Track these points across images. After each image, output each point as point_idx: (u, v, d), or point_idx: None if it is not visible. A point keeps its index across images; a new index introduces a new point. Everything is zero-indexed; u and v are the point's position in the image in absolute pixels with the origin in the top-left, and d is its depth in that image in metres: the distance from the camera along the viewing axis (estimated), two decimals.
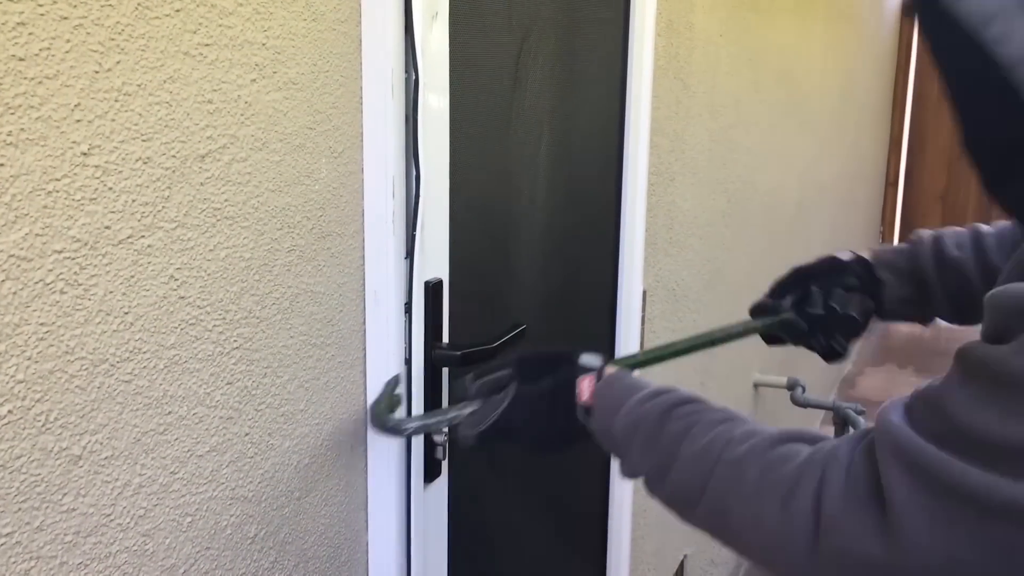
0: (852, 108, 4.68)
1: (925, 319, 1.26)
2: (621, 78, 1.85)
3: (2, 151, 0.70)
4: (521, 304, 1.58)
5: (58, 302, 0.75)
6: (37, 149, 0.72)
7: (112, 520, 0.83)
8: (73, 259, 0.76)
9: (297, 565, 1.09)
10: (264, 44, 0.95)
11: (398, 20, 1.11)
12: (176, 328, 0.88)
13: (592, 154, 1.80)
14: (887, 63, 6.03)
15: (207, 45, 0.87)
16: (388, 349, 1.17)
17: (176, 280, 0.87)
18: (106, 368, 0.81)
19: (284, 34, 0.97)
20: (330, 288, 1.09)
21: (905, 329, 6.33)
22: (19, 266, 0.72)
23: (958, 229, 1.22)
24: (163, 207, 0.85)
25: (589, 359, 1.03)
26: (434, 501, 1.32)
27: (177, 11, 0.83)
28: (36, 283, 0.73)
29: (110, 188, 0.79)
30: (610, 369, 1.03)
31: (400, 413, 1.20)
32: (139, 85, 0.80)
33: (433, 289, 1.23)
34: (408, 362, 1.20)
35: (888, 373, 5.39)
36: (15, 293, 0.72)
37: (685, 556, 2.63)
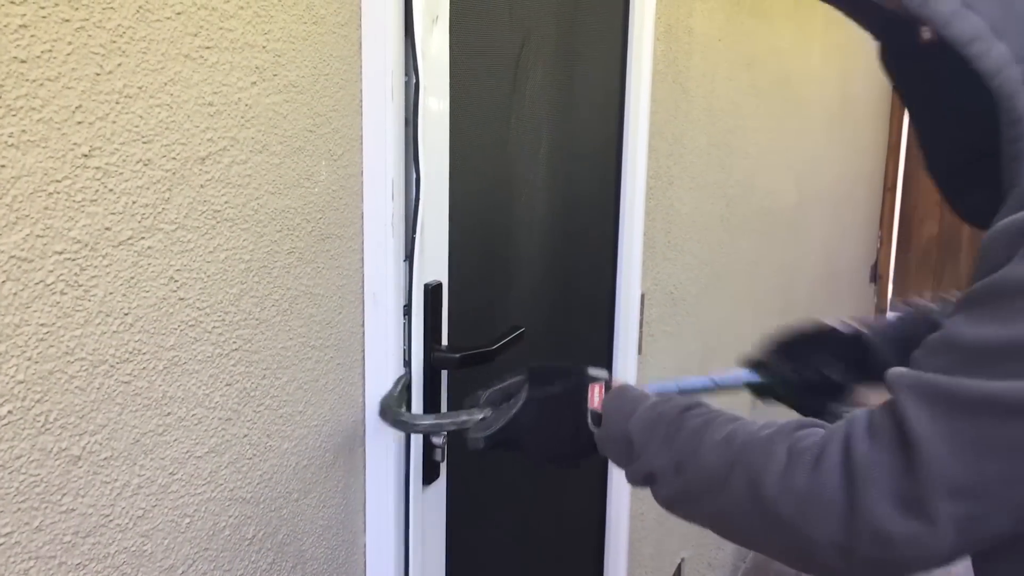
0: (850, 112, 4.69)
1: None
2: (620, 82, 1.86)
3: (4, 152, 0.70)
4: (520, 307, 1.58)
5: (58, 303, 0.76)
6: (38, 151, 0.72)
7: (111, 521, 0.83)
8: (73, 260, 0.76)
9: (295, 566, 1.10)
10: (265, 47, 0.95)
11: (398, 24, 1.11)
12: (176, 329, 0.88)
13: (591, 157, 1.80)
14: None
15: (208, 48, 0.88)
16: (387, 351, 1.17)
17: (176, 282, 0.87)
18: (106, 369, 0.81)
19: (284, 37, 0.97)
20: (329, 290, 1.10)
21: None
22: (20, 267, 0.72)
23: (952, 297, 1.24)
24: (163, 209, 0.85)
25: (597, 372, 1.04)
26: (432, 503, 1.32)
27: (178, 14, 0.84)
28: (36, 284, 0.74)
29: (111, 190, 0.79)
30: (618, 380, 1.04)
31: (416, 409, 1.21)
32: (140, 87, 0.81)
33: (432, 292, 1.24)
34: (407, 364, 1.21)
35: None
36: (16, 294, 0.72)
37: (682, 559, 2.63)
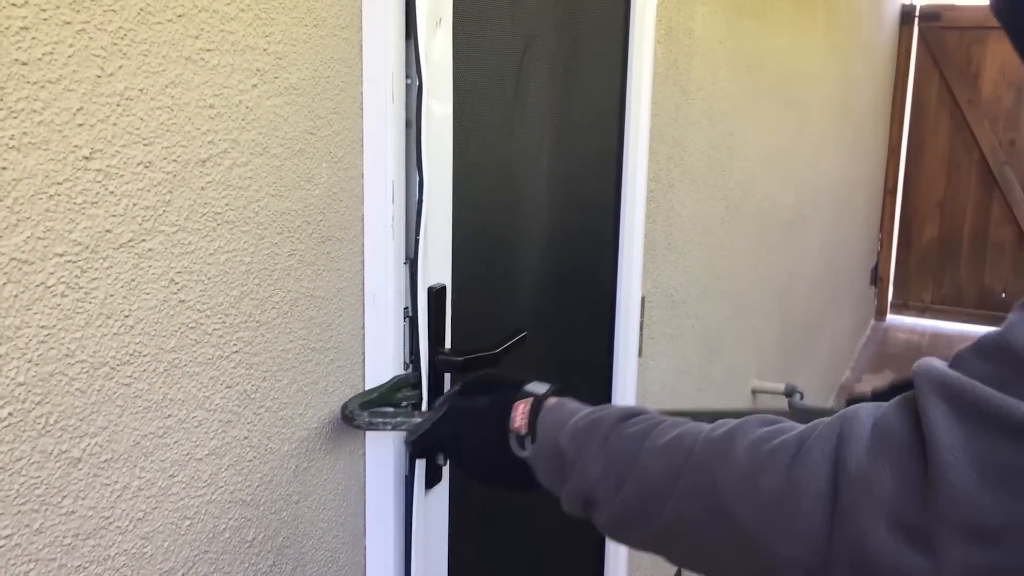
0: (851, 115, 4.69)
1: None
2: (621, 84, 1.86)
3: (4, 155, 0.70)
4: (522, 310, 1.58)
5: (59, 305, 0.76)
6: (39, 153, 0.72)
7: (111, 523, 0.83)
8: (74, 262, 0.76)
9: (295, 569, 1.09)
10: (265, 49, 0.95)
11: (398, 26, 1.11)
12: (176, 332, 0.88)
13: (592, 160, 1.80)
14: (886, 71, 6.05)
15: (209, 50, 0.88)
16: (387, 353, 1.17)
17: (176, 284, 0.87)
18: (106, 371, 0.81)
19: (285, 39, 0.97)
20: (330, 292, 1.10)
21: (903, 336, 6.34)
22: (20, 269, 0.72)
23: None
24: (164, 211, 0.85)
25: (535, 387, 0.93)
26: (435, 507, 1.32)
27: (179, 16, 0.84)
28: (37, 286, 0.73)
29: (111, 192, 0.79)
30: (551, 399, 0.90)
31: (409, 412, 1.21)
32: (141, 90, 0.81)
33: (436, 295, 1.24)
34: (407, 366, 1.21)
35: (886, 379, 5.38)
36: (16, 296, 0.72)
37: None
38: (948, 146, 6.37)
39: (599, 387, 1.97)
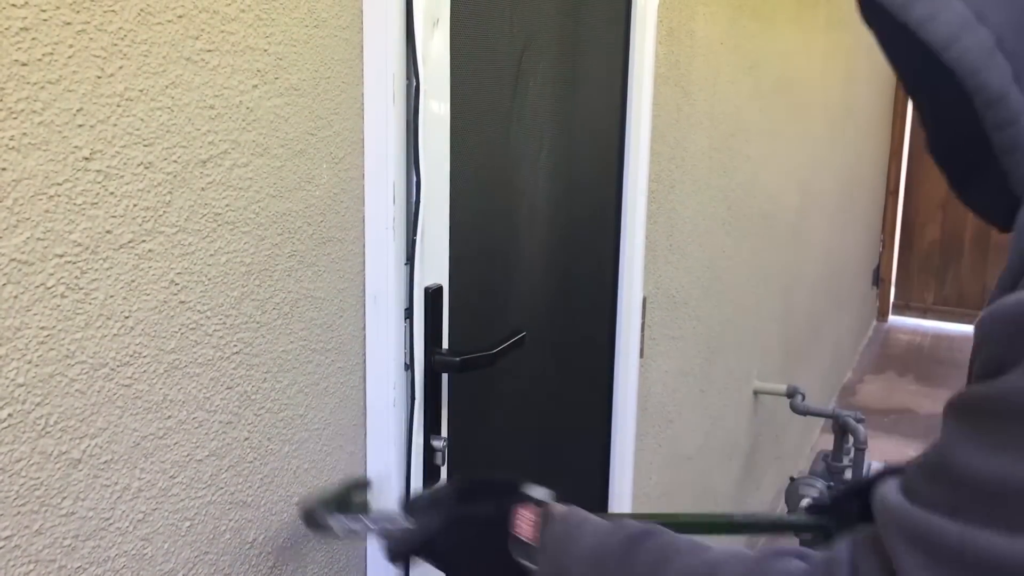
0: (853, 116, 4.69)
1: None
2: (622, 85, 1.86)
3: (4, 155, 0.70)
4: (521, 310, 1.58)
5: (59, 306, 0.75)
6: (39, 153, 0.72)
7: (111, 524, 0.83)
8: (74, 263, 0.76)
9: (296, 570, 1.09)
10: (266, 50, 0.95)
11: (399, 27, 1.11)
12: (176, 332, 0.88)
13: (593, 161, 1.80)
14: (888, 71, 6.04)
15: (209, 51, 0.88)
16: (388, 354, 1.17)
17: (177, 285, 0.87)
18: (106, 372, 0.81)
19: (286, 40, 0.97)
20: (330, 293, 1.10)
21: (905, 337, 6.34)
22: (20, 270, 0.72)
23: None
24: (164, 212, 0.85)
25: (534, 490, 0.91)
26: None
27: (179, 17, 0.84)
28: (37, 287, 0.73)
29: (111, 193, 0.79)
30: (559, 507, 0.88)
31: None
32: (141, 90, 0.81)
33: (433, 295, 1.24)
34: (408, 367, 1.21)
35: (888, 381, 5.39)
36: (16, 297, 0.72)
37: None
38: None
39: (600, 388, 1.97)
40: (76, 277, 0.77)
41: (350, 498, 1.12)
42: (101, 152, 0.78)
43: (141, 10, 0.80)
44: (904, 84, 0.71)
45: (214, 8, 0.88)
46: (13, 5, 0.69)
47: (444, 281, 1.28)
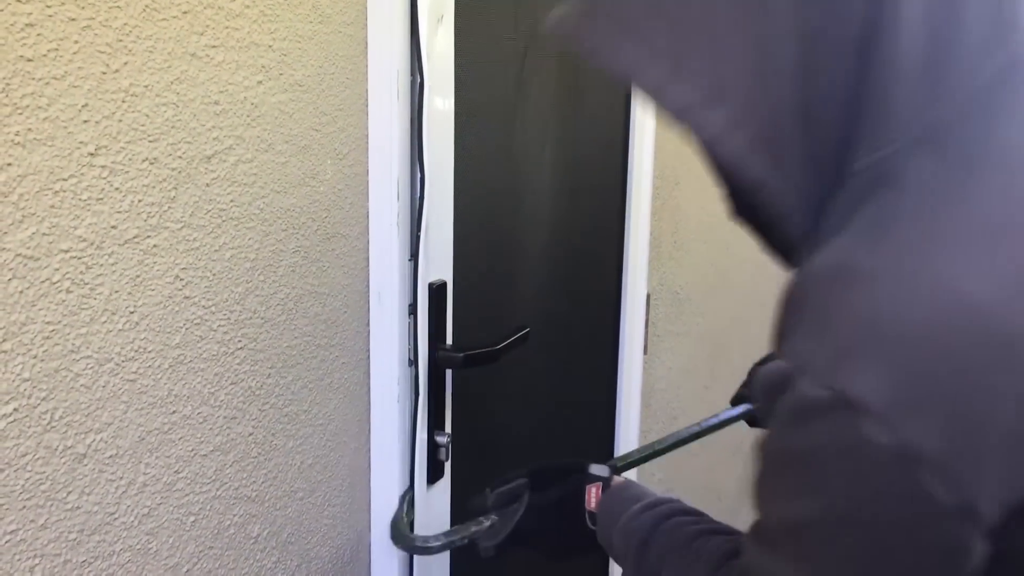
0: None
1: None
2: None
3: (10, 151, 0.70)
4: (525, 307, 1.58)
5: (64, 301, 0.76)
6: (44, 149, 0.73)
7: (116, 518, 0.83)
8: (79, 258, 0.77)
9: (300, 565, 1.10)
10: (271, 46, 0.95)
11: (404, 23, 1.11)
12: (181, 328, 0.88)
13: (597, 157, 1.80)
14: None
15: (214, 47, 0.88)
16: (391, 350, 1.17)
17: (181, 280, 0.87)
18: (111, 367, 0.81)
19: (290, 36, 0.98)
20: (335, 289, 1.10)
21: None
22: (26, 265, 0.72)
23: None
24: (169, 207, 0.85)
25: (598, 469, 1.05)
26: (437, 501, 1.32)
27: (184, 13, 0.84)
28: (43, 282, 0.74)
29: (116, 188, 0.79)
30: (617, 479, 1.03)
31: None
32: (146, 86, 0.81)
33: (437, 291, 1.24)
34: (412, 363, 1.21)
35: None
36: (22, 292, 0.72)
37: None
38: None
39: (604, 385, 1.97)
40: (81, 272, 0.77)
41: (412, 513, 1.24)
42: (106, 148, 0.78)
43: (146, 6, 0.80)
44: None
45: (218, 4, 0.88)
46: (18, 1, 0.69)
47: (448, 277, 1.28)
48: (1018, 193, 0.61)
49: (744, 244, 2.94)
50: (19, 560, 0.74)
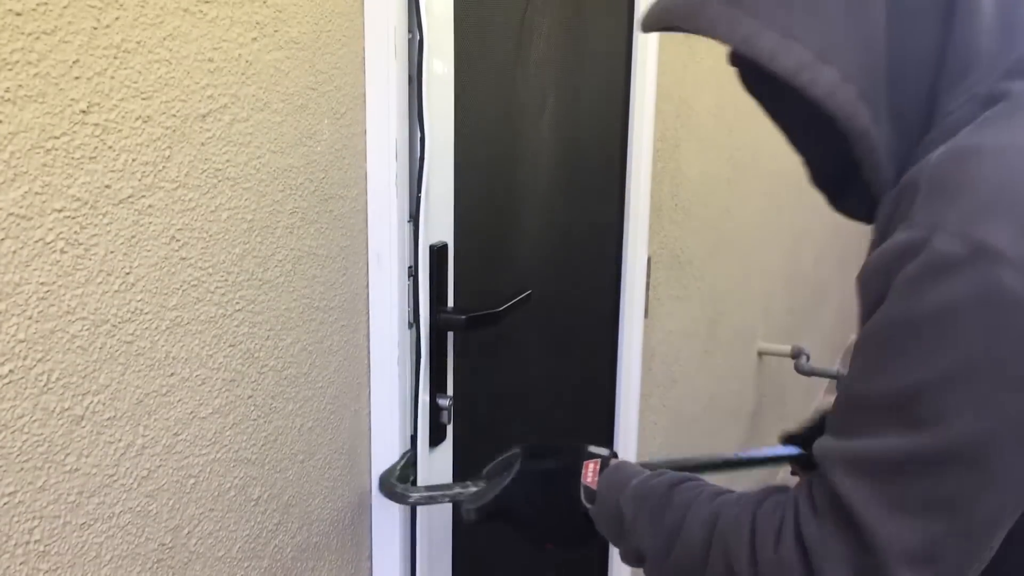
0: None
1: None
2: (627, 43, 1.83)
3: (0, 107, 0.69)
4: (526, 269, 1.57)
5: (58, 261, 0.75)
6: (35, 106, 0.71)
7: (115, 481, 0.83)
8: (73, 218, 0.75)
9: (301, 527, 1.10)
10: (265, 1, 0.93)
11: None
12: (178, 289, 0.87)
13: (598, 119, 1.78)
14: None
15: (207, 2, 0.86)
16: (391, 312, 1.16)
17: (178, 241, 0.86)
18: (108, 329, 0.80)
19: None
20: (333, 251, 1.09)
21: None
22: (19, 224, 0.71)
23: None
24: (164, 167, 0.84)
25: (597, 449, 1.02)
26: (439, 464, 1.32)
27: None
28: (36, 242, 0.73)
29: (110, 147, 0.78)
30: (616, 460, 1.01)
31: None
32: (138, 42, 0.79)
33: (438, 253, 1.23)
34: (411, 325, 1.20)
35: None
36: (15, 252, 0.71)
37: None
38: None
39: (605, 348, 1.96)
40: (75, 232, 0.76)
41: (407, 471, 1.21)
42: (99, 105, 0.76)
43: None
44: (788, 138, 0.92)
45: None
46: None
47: (449, 239, 1.27)
48: None
49: (744, 207, 2.94)
50: (17, 522, 0.74)
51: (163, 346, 0.86)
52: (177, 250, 0.86)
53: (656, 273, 2.09)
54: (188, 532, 0.92)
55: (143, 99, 0.81)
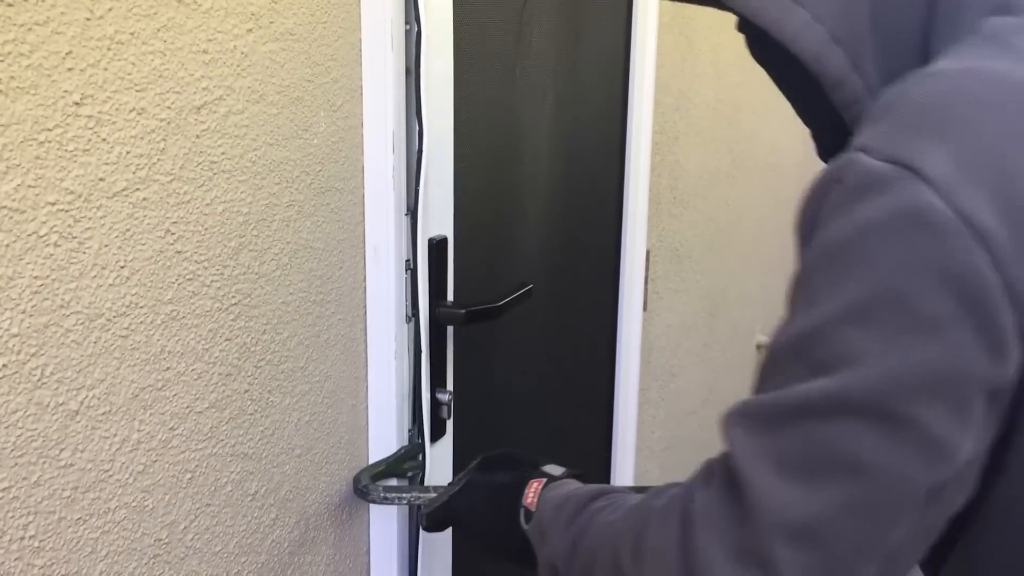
0: None
1: None
2: (625, 35, 1.82)
3: None
4: (525, 263, 1.56)
5: (52, 255, 0.74)
6: (28, 98, 0.70)
7: (111, 476, 0.82)
8: (67, 211, 0.75)
9: (299, 522, 1.09)
10: None
11: None
12: (173, 283, 0.86)
13: (596, 111, 1.77)
14: None
15: None
16: (388, 306, 1.16)
17: (173, 234, 0.86)
18: (102, 323, 0.79)
19: None
20: (330, 244, 1.08)
21: None
22: (12, 218, 0.70)
23: None
24: (158, 159, 0.83)
25: (552, 468, 0.96)
26: (439, 460, 1.31)
27: None
28: (29, 235, 0.72)
29: (104, 139, 0.77)
30: (565, 480, 0.93)
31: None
32: (132, 33, 0.79)
33: (437, 246, 1.22)
34: (409, 319, 1.19)
35: None
36: (8, 245, 0.70)
37: None
38: None
39: (604, 342, 1.96)
40: (69, 226, 0.75)
41: (399, 468, 1.20)
42: (92, 97, 0.76)
43: None
44: (794, 107, 0.84)
45: None
46: None
47: (448, 232, 1.26)
48: None
49: (744, 200, 2.93)
50: (12, 517, 0.73)
51: (158, 340, 0.86)
52: (172, 243, 0.86)
53: (655, 266, 2.09)
54: (184, 527, 0.92)
55: (137, 91, 0.80)
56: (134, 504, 0.85)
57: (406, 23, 1.11)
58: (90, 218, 0.77)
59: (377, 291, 1.16)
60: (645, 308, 2.04)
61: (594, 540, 0.76)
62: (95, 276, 0.78)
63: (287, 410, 1.05)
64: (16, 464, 0.73)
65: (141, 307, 0.83)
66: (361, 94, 1.09)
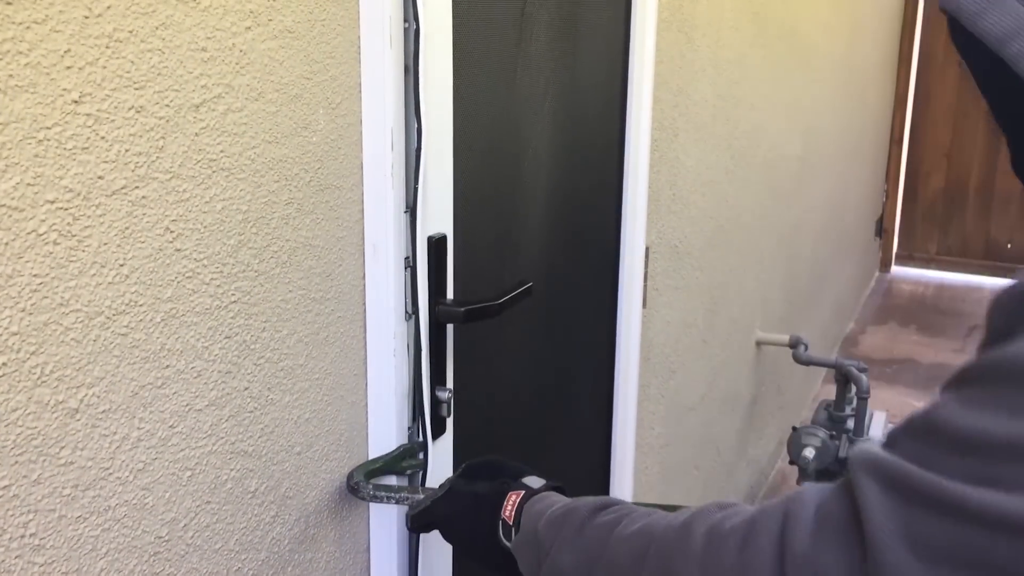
0: (858, 64, 4.63)
1: None
2: (624, 31, 1.82)
3: None
4: (525, 261, 1.57)
5: (52, 253, 0.74)
6: (27, 96, 0.70)
7: (111, 474, 0.82)
8: (66, 209, 0.75)
9: (299, 519, 1.09)
10: None
11: None
12: (173, 281, 0.87)
13: (595, 108, 1.77)
14: (893, 19, 5.96)
15: None
16: (388, 304, 1.16)
17: (172, 232, 0.86)
18: (102, 321, 0.80)
19: None
20: (329, 242, 1.08)
21: (908, 288, 6.32)
22: (11, 216, 0.70)
23: None
24: (157, 157, 0.83)
25: (532, 480, 0.96)
26: (440, 458, 1.31)
27: None
28: (28, 233, 0.72)
29: (103, 137, 0.77)
30: (545, 494, 0.94)
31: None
32: (131, 31, 0.79)
33: (436, 244, 1.22)
34: (408, 317, 1.19)
35: (890, 331, 5.38)
36: (7, 244, 0.70)
37: None
38: (955, 95, 6.28)
39: (604, 338, 1.96)
40: (68, 224, 0.75)
41: (398, 466, 1.20)
42: (91, 95, 0.76)
43: None
44: (992, 113, 0.74)
45: None
46: None
47: (448, 230, 1.26)
48: None
49: (743, 197, 2.94)
50: (12, 515, 0.73)
51: (158, 338, 0.86)
52: (171, 241, 0.86)
53: (654, 263, 2.09)
54: (185, 525, 0.92)
55: (136, 89, 0.80)
56: (134, 502, 0.86)
57: (405, 21, 1.11)
58: (89, 216, 0.77)
59: (376, 289, 1.16)
60: (644, 305, 2.04)
61: (620, 555, 0.75)
62: (94, 274, 0.78)
63: (287, 407, 1.05)
64: (16, 462, 0.73)
65: (140, 305, 0.83)
66: (360, 92, 1.09)
